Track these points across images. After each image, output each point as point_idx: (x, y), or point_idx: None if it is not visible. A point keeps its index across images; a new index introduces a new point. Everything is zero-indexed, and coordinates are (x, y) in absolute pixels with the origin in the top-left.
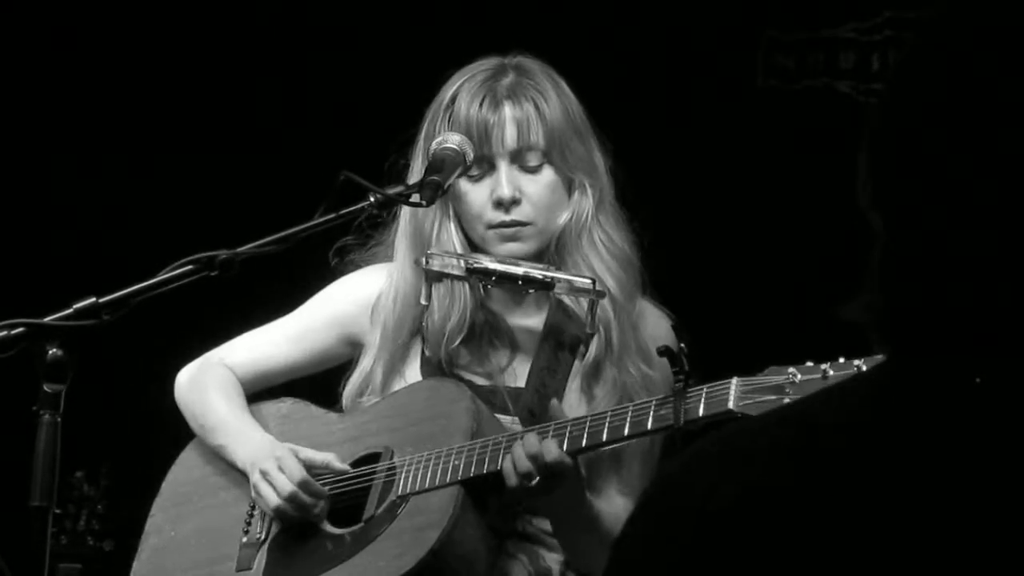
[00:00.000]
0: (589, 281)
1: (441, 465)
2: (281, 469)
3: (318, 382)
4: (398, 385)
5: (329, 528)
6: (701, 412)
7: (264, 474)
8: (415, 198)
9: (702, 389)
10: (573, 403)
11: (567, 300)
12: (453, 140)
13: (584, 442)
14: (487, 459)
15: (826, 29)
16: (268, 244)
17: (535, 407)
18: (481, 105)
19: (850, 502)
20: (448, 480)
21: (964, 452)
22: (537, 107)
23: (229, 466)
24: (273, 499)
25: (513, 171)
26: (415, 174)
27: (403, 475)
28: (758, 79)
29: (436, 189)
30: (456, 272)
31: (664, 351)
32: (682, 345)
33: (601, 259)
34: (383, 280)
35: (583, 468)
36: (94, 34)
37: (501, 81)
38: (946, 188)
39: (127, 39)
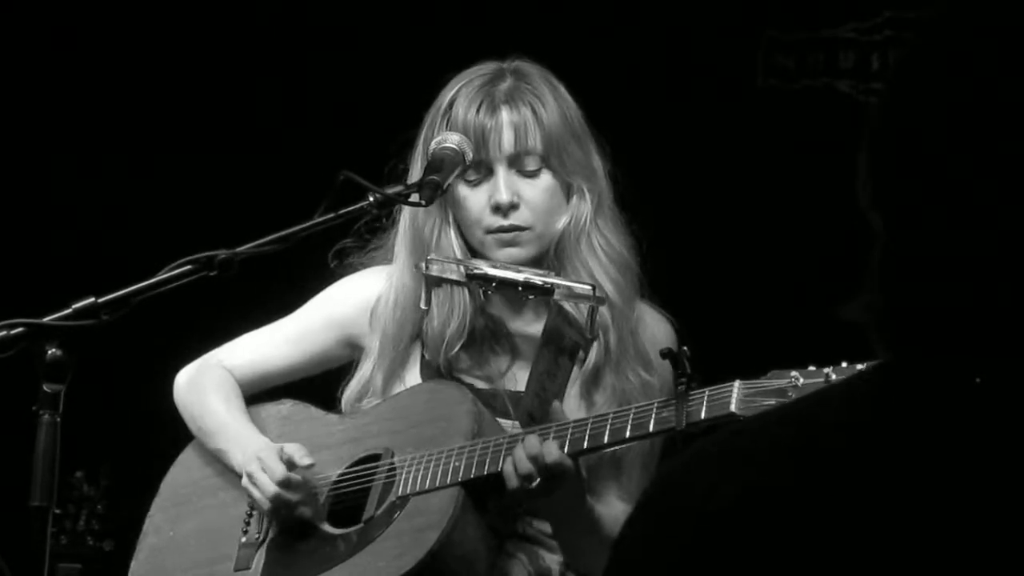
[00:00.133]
0: (589, 287)
1: (441, 466)
2: (264, 470)
3: (317, 384)
4: (398, 389)
5: (328, 528)
6: (703, 415)
7: (250, 476)
8: (414, 198)
9: (704, 392)
10: (572, 409)
11: (567, 306)
12: (452, 140)
13: (585, 444)
14: (487, 460)
15: (826, 29)
16: (267, 244)
17: (535, 411)
18: (479, 110)
19: (850, 502)
20: (448, 481)
21: (964, 452)
22: (535, 111)
23: (228, 467)
24: (260, 500)
25: (511, 176)
26: (414, 178)
27: (403, 476)
28: (758, 79)
29: (435, 189)
30: (456, 277)
31: (667, 353)
32: (684, 348)
33: (600, 263)
34: (382, 283)
35: (583, 472)
36: (94, 34)
37: (499, 86)
38: (946, 188)
39: (127, 39)
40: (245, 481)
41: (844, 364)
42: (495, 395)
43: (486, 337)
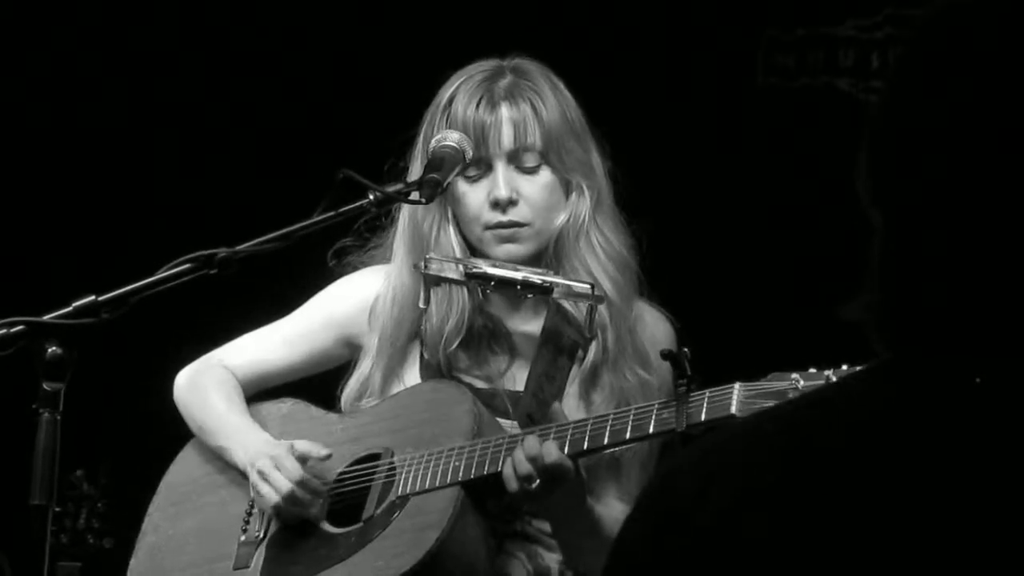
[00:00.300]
0: (588, 286)
1: (441, 466)
2: (278, 468)
3: (316, 383)
4: (397, 388)
5: (328, 527)
6: (703, 417)
7: (262, 473)
8: (414, 196)
9: (704, 393)
10: (571, 408)
11: (566, 304)
12: (452, 138)
13: (585, 445)
14: (487, 460)
15: (826, 27)
16: (267, 242)
17: (534, 412)
18: (478, 106)
19: (847, 502)
20: (448, 481)
21: (963, 452)
22: (534, 108)
23: (228, 465)
24: (272, 498)
25: (510, 172)
26: (414, 176)
27: (403, 475)
28: (758, 77)
29: (435, 187)
30: (454, 276)
31: (667, 355)
32: (684, 349)
33: (598, 261)
34: (381, 281)
35: (583, 472)
36: (94, 34)
37: (498, 82)
38: (946, 188)
39: (127, 39)
40: (254, 478)
41: (844, 367)
42: (494, 395)
43: (485, 336)
